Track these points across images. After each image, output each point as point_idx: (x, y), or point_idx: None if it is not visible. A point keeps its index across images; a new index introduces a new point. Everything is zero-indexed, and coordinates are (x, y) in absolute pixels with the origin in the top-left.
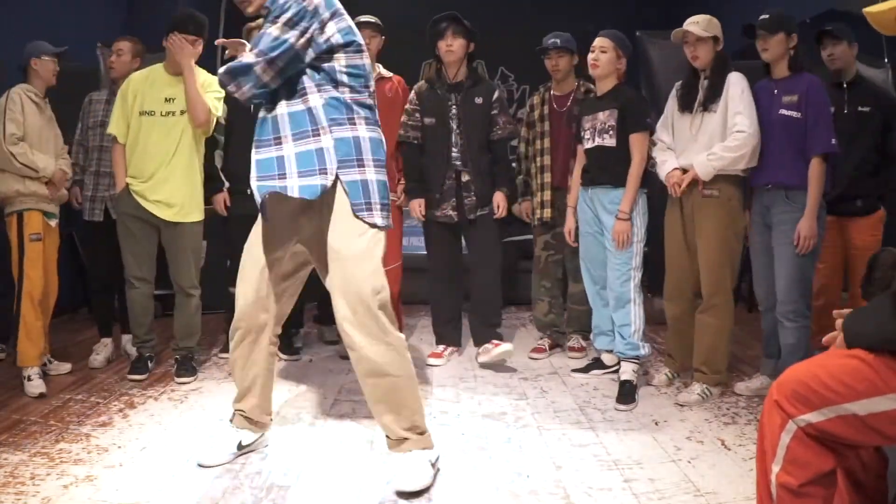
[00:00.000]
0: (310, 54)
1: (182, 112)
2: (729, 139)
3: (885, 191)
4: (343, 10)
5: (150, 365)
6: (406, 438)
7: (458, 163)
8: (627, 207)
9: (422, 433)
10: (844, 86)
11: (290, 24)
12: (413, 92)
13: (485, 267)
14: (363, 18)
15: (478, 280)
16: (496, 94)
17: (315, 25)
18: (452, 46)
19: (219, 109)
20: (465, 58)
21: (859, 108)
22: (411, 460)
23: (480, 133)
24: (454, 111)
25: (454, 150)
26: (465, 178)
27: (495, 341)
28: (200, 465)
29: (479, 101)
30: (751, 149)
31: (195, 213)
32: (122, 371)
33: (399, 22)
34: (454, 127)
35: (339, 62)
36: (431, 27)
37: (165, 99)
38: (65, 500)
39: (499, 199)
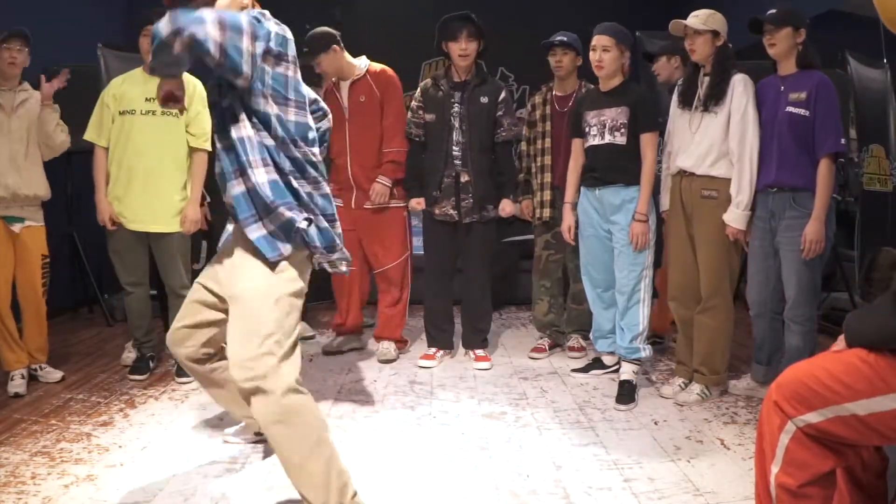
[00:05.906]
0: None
1: (163, 112)
2: (734, 174)
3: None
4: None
5: (150, 364)
6: None
7: (458, 162)
8: (644, 208)
9: None
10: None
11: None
12: (419, 89)
13: (475, 282)
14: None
15: (468, 293)
16: (502, 95)
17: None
18: (467, 50)
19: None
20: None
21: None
22: None
23: (483, 133)
24: (457, 109)
25: (455, 148)
26: (464, 178)
27: (479, 353)
28: (226, 442)
29: (484, 100)
30: (748, 162)
31: (182, 223)
32: (123, 371)
33: (398, 21)
34: (456, 125)
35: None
36: (442, 27)
37: (146, 98)
38: (65, 500)
39: (506, 205)
